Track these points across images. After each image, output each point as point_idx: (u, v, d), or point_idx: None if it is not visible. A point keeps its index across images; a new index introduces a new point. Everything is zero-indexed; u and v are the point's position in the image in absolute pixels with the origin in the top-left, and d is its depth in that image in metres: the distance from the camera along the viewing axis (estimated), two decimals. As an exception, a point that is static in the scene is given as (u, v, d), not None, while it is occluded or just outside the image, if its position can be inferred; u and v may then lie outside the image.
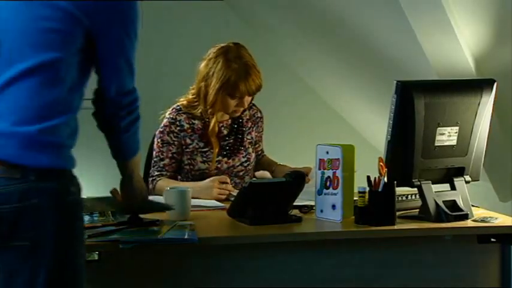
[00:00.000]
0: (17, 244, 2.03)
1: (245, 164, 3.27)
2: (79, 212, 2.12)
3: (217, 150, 3.22)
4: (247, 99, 3.21)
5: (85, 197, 3.05)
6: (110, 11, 2.12)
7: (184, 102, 3.26)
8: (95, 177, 4.65)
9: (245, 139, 3.30)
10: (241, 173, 3.26)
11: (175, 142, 3.21)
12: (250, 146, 3.31)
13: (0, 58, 2.08)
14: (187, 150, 3.21)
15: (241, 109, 3.24)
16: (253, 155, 3.33)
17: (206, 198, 3.04)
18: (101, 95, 2.23)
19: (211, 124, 3.22)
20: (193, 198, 2.80)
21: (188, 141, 3.22)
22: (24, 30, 2.07)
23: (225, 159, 3.24)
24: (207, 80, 3.19)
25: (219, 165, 3.22)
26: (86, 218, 2.56)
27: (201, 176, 3.20)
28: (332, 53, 4.32)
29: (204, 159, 3.21)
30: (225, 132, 3.27)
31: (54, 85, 2.06)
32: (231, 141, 3.27)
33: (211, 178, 3.12)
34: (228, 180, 3.11)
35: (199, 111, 3.23)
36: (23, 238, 2.02)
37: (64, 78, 2.08)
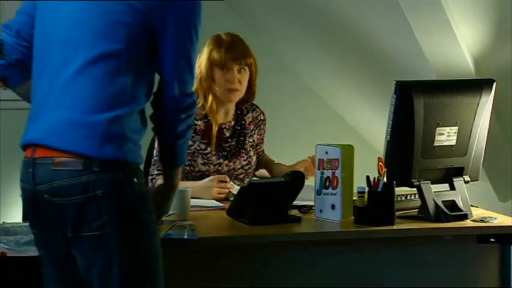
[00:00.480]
0: (87, 234, 2.05)
1: (246, 167, 3.27)
2: (144, 203, 2.11)
3: (214, 141, 3.22)
4: (237, 75, 3.19)
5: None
6: (174, 11, 2.12)
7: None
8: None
9: (247, 142, 3.30)
10: (241, 176, 3.26)
11: None
12: (251, 149, 3.31)
13: (67, 49, 2.10)
14: (188, 151, 3.21)
15: (233, 87, 3.20)
16: (255, 158, 3.32)
17: (205, 198, 3.04)
18: (161, 96, 2.21)
19: (208, 102, 3.21)
20: (192, 198, 2.80)
21: (189, 142, 3.22)
22: (90, 22, 2.09)
23: (226, 161, 3.24)
24: (199, 61, 3.22)
25: (219, 168, 3.22)
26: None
27: (201, 177, 3.19)
28: (331, 52, 4.32)
29: (205, 161, 3.21)
30: (227, 134, 3.27)
31: (118, 76, 2.07)
32: (233, 143, 3.27)
33: (211, 177, 3.12)
34: (228, 179, 3.11)
35: (201, 103, 3.22)
36: (91, 228, 2.04)
37: (127, 70, 2.09)
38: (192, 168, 3.21)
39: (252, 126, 3.33)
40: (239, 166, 3.26)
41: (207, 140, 3.22)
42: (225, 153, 3.24)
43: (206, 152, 3.22)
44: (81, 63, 2.07)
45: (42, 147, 2.07)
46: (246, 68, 3.23)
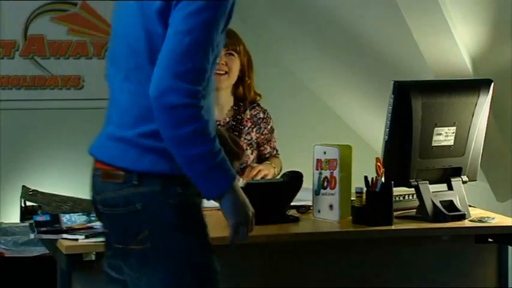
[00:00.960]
0: (133, 247, 2.04)
1: (241, 166, 3.26)
2: (190, 214, 2.08)
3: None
4: (224, 57, 3.18)
5: (83, 198, 3.05)
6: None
7: None
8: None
9: (242, 139, 3.29)
10: (238, 174, 3.24)
11: None
12: (248, 147, 3.30)
13: (115, 64, 2.11)
14: None
15: (223, 69, 3.19)
16: (252, 157, 3.31)
17: None
18: None
19: None
20: None
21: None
22: (127, 35, 2.08)
23: None
24: None
25: None
26: (83, 218, 2.56)
27: None
28: (330, 52, 4.32)
29: None
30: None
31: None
32: None
33: None
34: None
35: None
36: (136, 242, 2.03)
37: None
38: None
39: (249, 124, 3.31)
40: None
41: None
42: None
43: None
44: (120, 77, 2.08)
45: (97, 159, 2.12)
46: (235, 54, 3.22)
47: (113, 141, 2.08)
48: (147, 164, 2.03)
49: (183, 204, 2.06)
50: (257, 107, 3.34)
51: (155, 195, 2.03)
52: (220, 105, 3.26)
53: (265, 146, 3.35)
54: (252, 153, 3.30)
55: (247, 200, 2.11)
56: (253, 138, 3.31)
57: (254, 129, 3.31)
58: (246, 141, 3.28)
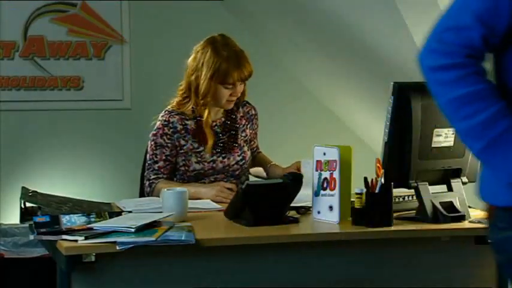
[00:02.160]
0: None
1: (241, 163, 3.27)
2: None
3: (211, 142, 3.21)
4: (240, 88, 3.20)
5: (83, 199, 3.06)
6: None
7: (174, 103, 3.25)
8: (90, 179, 4.65)
9: (239, 136, 3.29)
10: (237, 172, 3.26)
11: (169, 144, 3.21)
12: (245, 144, 3.31)
13: None
14: (182, 151, 3.21)
15: (234, 99, 3.22)
16: (249, 153, 3.32)
17: (206, 198, 3.05)
18: None
19: (205, 116, 3.20)
20: (196, 199, 2.83)
21: (182, 142, 3.22)
22: None
23: (220, 158, 3.24)
24: (197, 72, 3.19)
25: (214, 165, 3.22)
26: (83, 219, 2.56)
27: (196, 176, 3.20)
28: (329, 53, 4.32)
29: (199, 159, 3.21)
30: (219, 130, 3.27)
31: None
32: (225, 139, 3.26)
33: (215, 184, 3.14)
34: (235, 187, 3.09)
35: (191, 107, 3.21)
36: None
37: None
38: (187, 168, 3.21)
39: (243, 121, 3.32)
40: (233, 162, 3.25)
41: (198, 139, 3.21)
42: (219, 150, 3.24)
43: (199, 150, 3.21)
44: None
45: None
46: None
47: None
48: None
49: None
50: (247, 104, 3.37)
51: None
52: (216, 108, 3.27)
53: (254, 140, 3.40)
54: (248, 150, 3.32)
55: None
56: (248, 135, 3.33)
57: (248, 126, 3.34)
58: (242, 138, 3.30)
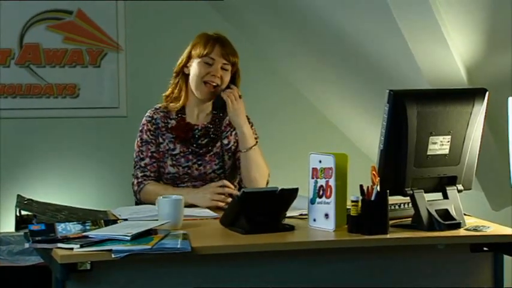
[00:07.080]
0: None
1: (218, 172, 3.21)
2: None
3: (187, 137, 3.19)
4: (221, 72, 3.17)
5: (79, 206, 3.05)
6: None
7: (167, 93, 3.26)
8: (86, 187, 4.65)
9: (220, 143, 3.23)
10: (215, 180, 3.20)
11: (153, 140, 3.20)
12: (226, 153, 3.25)
13: None
14: (161, 150, 3.20)
15: (215, 80, 3.16)
16: (229, 162, 3.25)
17: (202, 205, 3.04)
18: None
19: (181, 100, 3.21)
20: (190, 206, 2.81)
21: (160, 140, 3.20)
22: None
23: (196, 165, 3.20)
24: (182, 57, 3.24)
25: (189, 171, 3.18)
26: (78, 227, 2.56)
27: (173, 179, 3.18)
28: (325, 61, 4.33)
29: (174, 162, 3.19)
30: (199, 134, 3.23)
31: None
32: (203, 143, 3.22)
33: (209, 184, 3.11)
34: (227, 184, 3.07)
35: (180, 102, 3.21)
36: None
37: None
38: (163, 170, 3.20)
39: (228, 128, 3.28)
40: (210, 170, 3.21)
41: (176, 135, 3.20)
42: (193, 155, 3.20)
43: (174, 152, 3.20)
44: None
45: None
46: (229, 68, 3.20)
47: None
48: None
49: None
50: None
51: None
52: (201, 108, 3.25)
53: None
54: (229, 159, 3.25)
55: None
56: (232, 142, 3.27)
57: (233, 133, 3.28)
58: (224, 145, 3.24)
